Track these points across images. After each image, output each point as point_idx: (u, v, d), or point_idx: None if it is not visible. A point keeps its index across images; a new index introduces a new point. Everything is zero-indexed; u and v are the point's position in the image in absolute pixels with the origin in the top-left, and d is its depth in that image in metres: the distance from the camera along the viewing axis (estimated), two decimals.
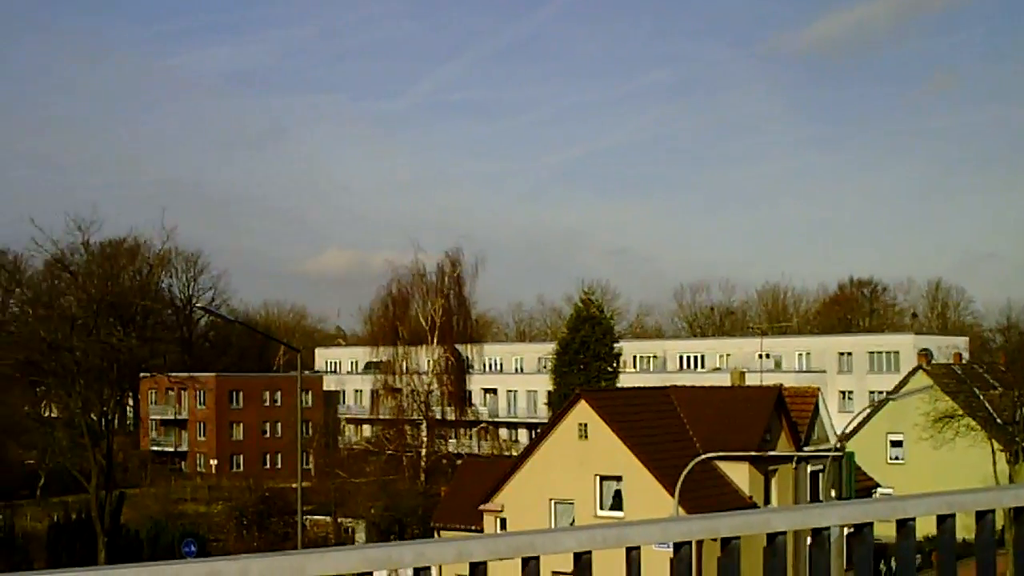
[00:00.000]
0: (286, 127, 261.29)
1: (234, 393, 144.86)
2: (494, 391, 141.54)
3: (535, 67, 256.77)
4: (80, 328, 78.09)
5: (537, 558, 4.53)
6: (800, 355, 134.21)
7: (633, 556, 4.83)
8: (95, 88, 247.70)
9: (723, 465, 58.98)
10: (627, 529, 4.74)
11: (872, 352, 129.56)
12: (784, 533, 5.10)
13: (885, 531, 5.52)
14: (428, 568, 4.39)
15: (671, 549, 4.96)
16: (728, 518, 4.98)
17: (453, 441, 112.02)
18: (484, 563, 4.47)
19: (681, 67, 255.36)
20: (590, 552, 4.64)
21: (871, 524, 5.32)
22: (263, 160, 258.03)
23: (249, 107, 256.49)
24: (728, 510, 6.01)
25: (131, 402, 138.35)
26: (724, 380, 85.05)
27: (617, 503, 59.28)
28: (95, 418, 77.79)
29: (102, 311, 78.48)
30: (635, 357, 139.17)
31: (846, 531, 5.44)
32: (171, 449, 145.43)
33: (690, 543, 4.95)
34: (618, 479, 59.48)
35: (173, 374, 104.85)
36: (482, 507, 63.91)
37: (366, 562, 4.23)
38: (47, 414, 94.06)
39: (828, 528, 5.24)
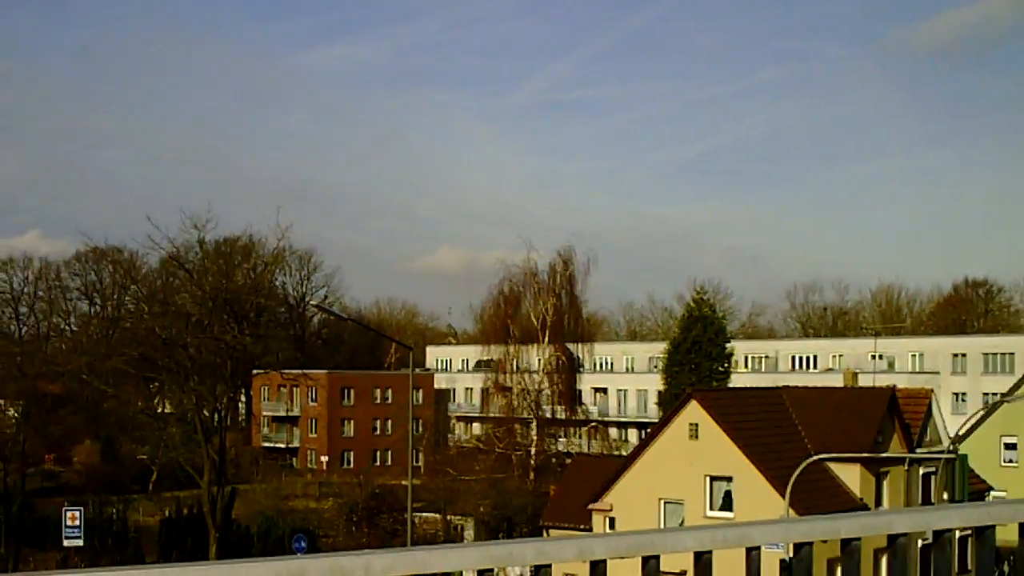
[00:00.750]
0: (400, 125, 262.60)
1: (346, 390, 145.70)
2: (604, 390, 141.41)
3: (647, 64, 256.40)
4: (195, 325, 78.80)
5: (657, 557, 4.53)
6: (913, 356, 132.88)
7: (753, 556, 4.81)
8: (213, 85, 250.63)
9: (834, 466, 58.62)
10: (748, 529, 4.73)
11: (987, 353, 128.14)
12: (906, 535, 5.07)
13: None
14: (549, 565, 4.39)
15: (780, 549, 4.95)
16: (850, 519, 4.95)
17: (563, 440, 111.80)
18: (604, 561, 4.47)
19: (797, 64, 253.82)
20: (711, 552, 4.63)
21: (993, 527, 5.27)
22: (377, 157, 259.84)
23: (364, 105, 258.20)
24: (840, 512, 5.92)
25: (244, 398, 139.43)
26: (837, 381, 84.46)
27: (727, 504, 59.00)
28: (208, 414, 78.54)
29: (217, 308, 79.15)
30: (747, 357, 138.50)
31: (958, 534, 5.41)
32: (282, 445, 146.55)
33: (810, 544, 4.92)
34: (728, 479, 59.19)
35: (286, 371, 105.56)
36: (591, 506, 63.81)
37: (488, 559, 4.25)
38: (161, 410, 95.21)
39: (950, 530, 5.20)
